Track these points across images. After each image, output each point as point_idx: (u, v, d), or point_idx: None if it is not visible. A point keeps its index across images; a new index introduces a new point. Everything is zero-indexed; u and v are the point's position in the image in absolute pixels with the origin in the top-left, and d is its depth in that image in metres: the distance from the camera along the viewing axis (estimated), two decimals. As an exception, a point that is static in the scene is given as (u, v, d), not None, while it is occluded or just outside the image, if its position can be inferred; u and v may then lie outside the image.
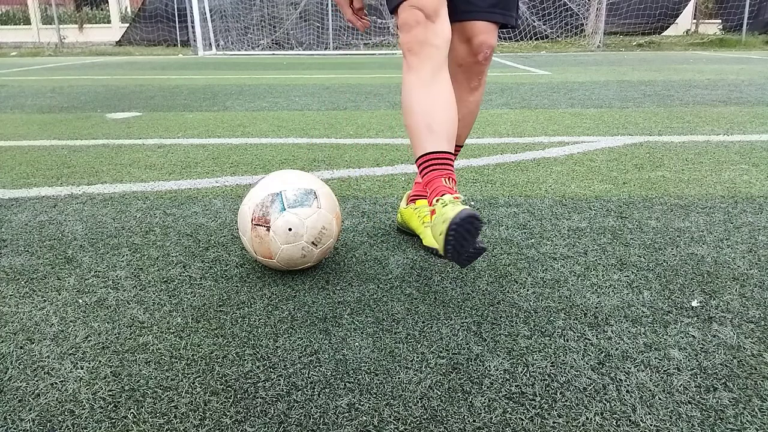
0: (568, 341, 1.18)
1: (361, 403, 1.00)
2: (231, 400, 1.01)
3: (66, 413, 0.98)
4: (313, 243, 1.42)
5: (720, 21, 16.15)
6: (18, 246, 1.70)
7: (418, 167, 1.43)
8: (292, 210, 1.41)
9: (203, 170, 2.54)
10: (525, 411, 0.97)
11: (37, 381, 1.06)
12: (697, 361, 1.10)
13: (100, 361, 1.12)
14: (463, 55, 1.55)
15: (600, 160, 2.61)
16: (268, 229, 1.40)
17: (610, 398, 1.00)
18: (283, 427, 0.94)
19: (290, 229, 1.40)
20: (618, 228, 1.79)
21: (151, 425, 0.95)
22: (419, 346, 1.17)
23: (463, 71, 1.58)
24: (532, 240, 1.71)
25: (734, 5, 14.26)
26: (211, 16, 14.02)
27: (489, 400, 1.00)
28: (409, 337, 1.20)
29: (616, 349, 1.14)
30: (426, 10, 1.37)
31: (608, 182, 2.27)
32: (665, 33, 15.08)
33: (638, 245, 1.65)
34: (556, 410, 0.97)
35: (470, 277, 1.47)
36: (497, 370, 1.09)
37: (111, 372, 1.09)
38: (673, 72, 6.70)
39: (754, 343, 1.16)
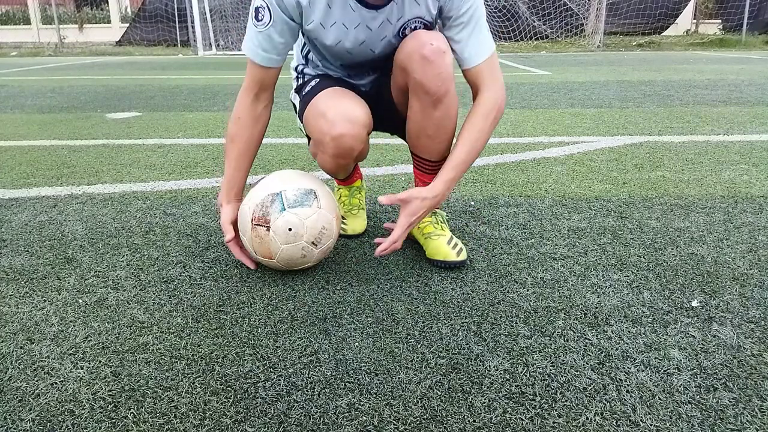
0: (568, 341, 1.18)
1: (361, 403, 1.00)
2: (231, 400, 1.01)
3: (66, 413, 0.98)
4: (313, 243, 1.42)
5: (720, 21, 16.15)
6: (18, 246, 1.70)
7: None
8: (292, 210, 1.40)
9: (203, 170, 2.54)
10: (525, 411, 0.97)
11: (37, 381, 1.06)
12: (697, 361, 1.10)
13: (100, 361, 1.12)
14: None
15: (600, 160, 2.61)
16: (268, 229, 1.39)
17: (610, 398, 1.00)
18: (283, 427, 0.94)
19: (290, 229, 1.39)
20: (618, 228, 1.79)
21: (151, 425, 0.95)
22: (419, 346, 1.17)
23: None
24: (532, 240, 1.71)
25: (734, 5, 14.26)
26: (211, 16, 14.02)
27: (489, 400, 1.00)
28: (409, 337, 1.20)
29: (616, 349, 1.14)
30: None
31: (608, 182, 2.27)
32: (665, 33, 15.08)
33: (638, 245, 1.65)
34: (556, 410, 0.97)
35: (470, 277, 1.47)
36: (497, 370, 1.09)
37: (111, 372, 1.09)
38: (673, 72, 6.71)
39: (754, 343, 1.16)
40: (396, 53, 1.43)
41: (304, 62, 1.64)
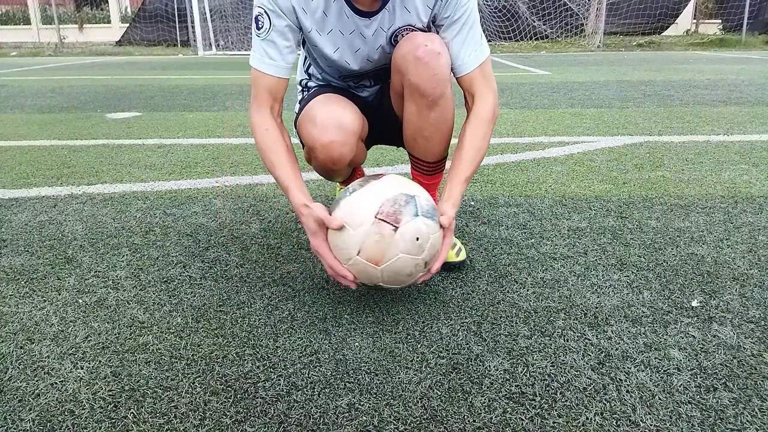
0: (568, 341, 1.18)
1: (361, 403, 1.00)
2: (231, 400, 1.01)
3: (66, 413, 0.98)
4: (425, 263, 1.23)
5: (720, 21, 16.14)
6: (18, 246, 1.70)
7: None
8: (424, 219, 1.21)
9: (203, 170, 2.54)
10: (525, 411, 0.97)
11: (37, 381, 1.06)
12: (697, 361, 1.10)
13: (100, 361, 1.12)
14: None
15: (600, 160, 2.61)
16: (396, 230, 1.18)
17: (610, 398, 1.00)
18: (283, 427, 0.94)
19: (417, 239, 1.20)
20: (618, 228, 1.79)
21: (151, 425, 0.95)
22: (419, 346, 1.17)
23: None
24: (532, 240, 1.71)
25: (734, 5, 14.25)
26: (211, 16, 14.02)
27: (489, 400, 1.00)
28: (409, 337, 1.20)
29: (616, 349, 1.14)
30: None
31: (608, 182, 2.27)
32: (665, 33, 15.08)
33: (638, 245, 1.65)
34: (556, 410, 0.97)
35: (470, 277, 1.47)
36: (497, 370, 1.09)
37: (111, 372, 1.09)
38: (673, 72, 6.71)
39: (754, 343, 1.16)
40: (392, 56, 1.42)
41: (307, 77, 1.64)
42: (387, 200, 1.21)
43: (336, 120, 1.40)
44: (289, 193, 1.32)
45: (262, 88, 1.44)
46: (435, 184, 1.60)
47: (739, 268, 1.50)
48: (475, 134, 1.40)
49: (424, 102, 1.39)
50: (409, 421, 0.95)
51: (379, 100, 1.61)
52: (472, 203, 2.05)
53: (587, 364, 1.10)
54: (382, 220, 1.19)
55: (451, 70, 1.41)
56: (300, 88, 1.66)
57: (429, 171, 1.55)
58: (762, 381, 1.04)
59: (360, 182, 1.28)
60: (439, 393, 1.02)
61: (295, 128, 1.58)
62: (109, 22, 19.74)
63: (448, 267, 1.51)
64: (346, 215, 1.22)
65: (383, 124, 1.59)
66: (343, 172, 1.59)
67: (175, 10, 15.27)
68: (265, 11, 1.36)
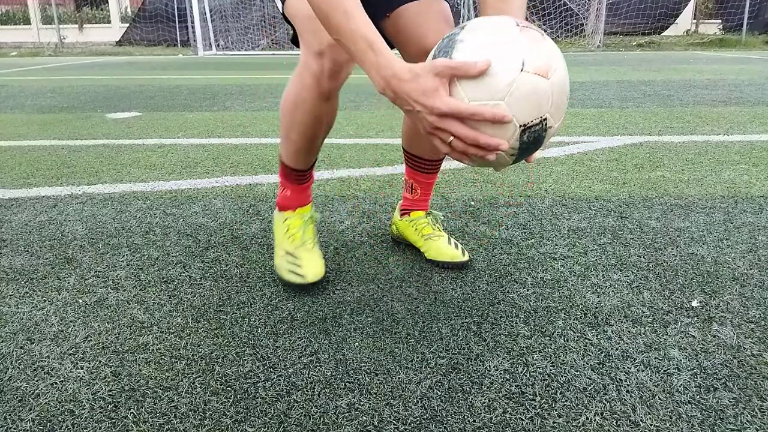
0: (568, 341, 1.18)
1: (361, 403, 1.00)
2: (231, 400, 1.01)
3: (66, 413, 0.98)
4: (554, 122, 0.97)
5: (720, 21, 16.15)
6: (18, 246, 1.70)
7: None
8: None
9: (203, 170, 2.54)
10: (525, 411, 0.97)
11: (37, 381, 1.06)
12: (697, 361, 1.10)
13: (100, 361, 1.12)
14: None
15: (600, 160, 2.61)
16: (548, 80, 0.93)
17: (610, 398, 1.00)
18: (283, 427, 0.94)
19: (565, 94, 0.98)
20: (618, 228, 1.79)
21: (151, 425, 0.95)
22: (419, 346, 1.17)
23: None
24: (532, 240, 1.71)
25: (734, 5, 14.26)
26: (211, 16, 14.02)
27: (489, 400, 1.00)
28: (409, 337, 1.20)
29: (616, 349, 1.14)
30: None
31: (608, 182, 2.27)
32: (665, 33, 15.08)
33: (638, 245, 1.65)
34: (556, 410, 0.97)
35: (470, 277, 1.47)
36: (497, 370, 1.09)
37: (111, 372, 1.09)
38: (673, 72, 6.70)
39: (754, 343, 1.16)
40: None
41: None
42: (532, 49, 0.93)
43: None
44: (376, 53, 0.96)
45: (312, 27, 1.18)
46: (432, 184, 1.61)
47: (739, 268, 1.50)
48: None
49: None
50: (409, 421, 0.95)
51: None
52: (472, 203, 2.05)
53: (587, 364, 1.10)
54: (535, 73, 0.91)
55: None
56: None
57: (429, 169, 1.56)
58: (762, 381, 1.04)
59: (453, 35, 0.96)
60: (439, 393, 1.02)
61: (286, 15, 1.29)
62: (109, 22, 19.74)
63: (456, 267, 1.51)
64: (493, 66, 0.90)
65: None
66: (326, 125, 1.37)
67: (175, 10, 15.27)
68: None
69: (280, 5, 1.30)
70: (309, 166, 1.47)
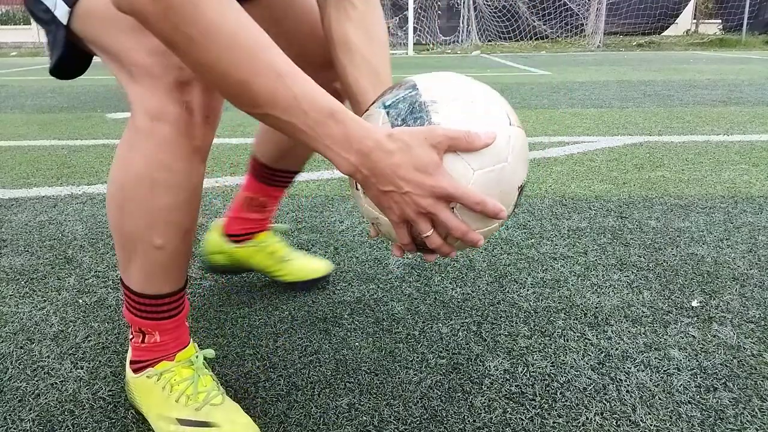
0: (568, 341, 1.18)
1: (361, 403, 1.00)
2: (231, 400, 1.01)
3: (66, 413, 0.98)
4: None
5: (720, 21, 16.16)
6: (18, 246, 1.70)
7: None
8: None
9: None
10: (525, 411, 0.97)
11: (37, 381, 1.06)
12: (697, 361, 1.10)
13: (100, 361, 1.12)
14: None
15: (600, 160, 2.61)
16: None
17: (610, 398, 1.00)
18: (283, 427, 0.94)
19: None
20: (618, 228, 1.79)
21: (151, 425, 0.95)
22: (419, 346, 1.17)
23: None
24: (532, 240, 1.71)
25: (734, 5, 14.26)
26: (211, 16, 14.01)
27: (489, 400, 1.00)
28: (409, 337, 1.20)
29: (616, 349, 1.14)
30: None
31: (608, 182, 2.27)
32: (665, 33, 15.09)
33: (638, 245, 1.65)
34: (556, 410, 0.97)
35: (470, 277, 1.47)
36: (497, 370, 1.09)
37: (111, 372, 1.09)
38: (673, 72, 6.71)
39: (754, 343, 1.16)
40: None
41: None
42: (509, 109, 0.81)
43: None
44: (342, 123, 0.70)
45: None
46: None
47: (739, 268, 1.50)
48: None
49: None
50: (409, 421, 0.95)
51: None
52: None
53: (587, 364, 1.10)
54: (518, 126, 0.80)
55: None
56: None
57: (290, 181, 1.32)
58: (762, 381, 1.04)
59: (411, 89, 0.79)
60: (439, 393, 1.02)
61: (75, 29, 0.89)
62: (109, 22, 19.71)
63: (323, 279, 1.40)
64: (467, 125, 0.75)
65: None
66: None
67: (175, 10, 15.26)
68: None
69: (62, 16, 0.86)
70: (185, 280, 0.96)
